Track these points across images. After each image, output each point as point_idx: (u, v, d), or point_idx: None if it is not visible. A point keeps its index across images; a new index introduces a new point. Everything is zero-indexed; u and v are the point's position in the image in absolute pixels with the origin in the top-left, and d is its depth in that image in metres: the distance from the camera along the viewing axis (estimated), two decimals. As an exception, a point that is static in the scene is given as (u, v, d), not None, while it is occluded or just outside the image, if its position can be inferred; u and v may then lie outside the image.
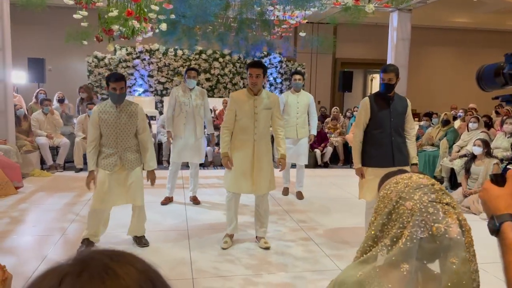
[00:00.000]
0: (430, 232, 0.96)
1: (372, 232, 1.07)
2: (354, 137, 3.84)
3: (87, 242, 3.68)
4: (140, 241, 3.88)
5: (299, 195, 5.67)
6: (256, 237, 4.00)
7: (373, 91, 15.51)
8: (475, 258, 0.99)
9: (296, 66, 11.06)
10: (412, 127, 3.85)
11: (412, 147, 3.82)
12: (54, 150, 7.22)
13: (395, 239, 1.00)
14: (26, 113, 7.23)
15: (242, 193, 3.91)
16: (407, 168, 3.71)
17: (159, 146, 7.61)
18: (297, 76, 5.44)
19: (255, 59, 10.52)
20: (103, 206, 3.65)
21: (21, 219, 4.57)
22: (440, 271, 0.97)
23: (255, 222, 4.00)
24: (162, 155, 7.66)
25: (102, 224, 3.74)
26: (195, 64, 10.37)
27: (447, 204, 0.99)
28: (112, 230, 4.05)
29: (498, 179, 0.99)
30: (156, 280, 0.55)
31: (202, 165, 6.39)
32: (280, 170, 4.00)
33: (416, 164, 3.82)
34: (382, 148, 3.69)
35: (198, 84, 10.29)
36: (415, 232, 0.97)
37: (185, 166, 5.59)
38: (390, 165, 3.62)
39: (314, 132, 5.66)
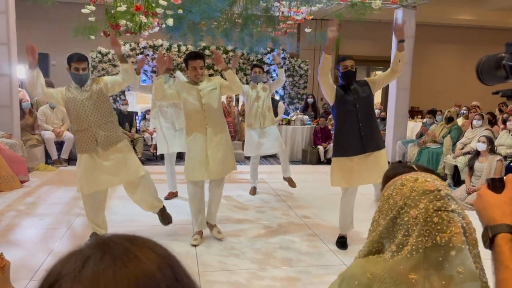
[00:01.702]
0: (434, 242, 0.96)
1: (377, 236, 1.07)
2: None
3: (95, 236, 3.69)
4: (164, 216, 3.81)
5: (290, 182, 5.61)
6: (208, 224, 3.98)
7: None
8: (480, 259, 0.99)
9: (300, 62, 11.05)
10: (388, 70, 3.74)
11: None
12: (60, 144, 7.26)
13: (401, 246, 1.00)
14: (32, 108, 7.25)
15: (199, 179, 3.82)
16: (380, 154, 3.71)
17: None
18: (257, 69, 5.46)
19: (259, 55, 10.52)
20: (92, 189, 3.52)
21: (27, 213, 4.61)
22: (447, 280, 0.96)
23: (207, 209, 3.99)
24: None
25: (101, 214, 3.67)
26: (199, 60, 10.36)
27: (452, 211, 0.98)
28: (118, 224, 4.08)
29: (496, 184, 0.91)
30: (174, 265, 0.56)
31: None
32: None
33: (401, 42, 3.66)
34: (351, 138, 3.67)
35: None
36: (420, 242, 0.97)
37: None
38: (360, 152, 3.67)
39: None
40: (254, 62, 10.65)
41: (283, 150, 5.56)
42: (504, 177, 0.92)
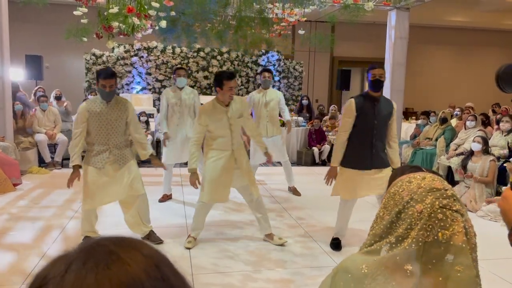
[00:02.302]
0: (435, 237, 0.98)
1: (380, 229, 1.08)
2: (338, 138, 3.75)
3: (84, 239, 3.70)
4: (152, 238, 3.82)
5: (295, 191, 5.69)
6: (266, 235, 3.95)
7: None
8: (477, 263, 1.01)
9: (294, 64, 11.08)
10: (395, 134, 3.79)
11: (396, 154, 3.77)
12: (53, 147, 7.22)
13: (400, 238, 1.01)
14: (24, 111, 7.19)
15: (222, 202, 3.85)
16: (386, 170, 3.67)
17: (157, 144, 7.65)
18: (267, 74, 5.38)
19: (254, 57, 10.53)
20: (95, 205, 3.63)
21: (20, 216, 4.57)
22: (445, 278, 0.98)
23: (258, 221, 3.94)
24: (160, 153, 7.69)
25: (95, 217, 3.75)
26: (193, 61, 10.36)
27: (456, 211, 1.00)
28: (111, 226, 4.06)
29: None
30: (162, 266, 0.55)
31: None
32: (269, 163, 3.89)
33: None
34: (361, 151, 3.64)
35: (196, 82, 10.37)
36: (422, 236, 0.98)
37: (184, 164, 5.59)
38: (368, 168, 3.64)
39: (289, 118, 5.72)
40: (249, 64, 10.67)
41: (286, 161, 5.59)
42: None
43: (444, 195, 1.01)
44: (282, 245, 3.87)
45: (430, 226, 0.98)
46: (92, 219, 3.71)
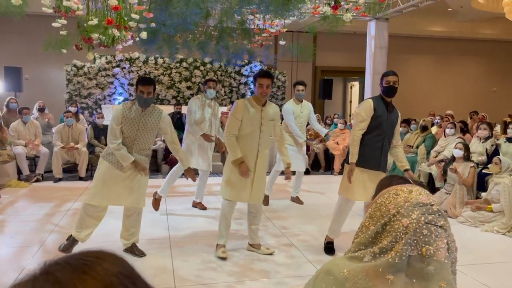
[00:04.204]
0: (419, 252, 1.00)
1: (364, 238, 1.10)
2: (354, 136, 3.78)
3: (72, 239, 3.67)
4: (134, 250, 3.80)
5: (298, 200, 5.82)
6: (252, 245, 3.96)
7: (353, 99, 15.55)
8: (455, 277, 1.04)
9: (277, 74, 11.15)
10: (399, 138, 3.94)
11: (403, 155, 3.89)
12: (32, 160, 7.09)
13: (384, 250, 1.03)
14: (1, 123, 7.05)
15: (240, 201, 3.85)
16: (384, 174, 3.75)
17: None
18: (300, 87, 5.55)
19: (236, 67, 10.57)
20: (98, 202, 3.58)
21: (-2, 231, 4.47)
22: None
23: (250, 231, 3.97)
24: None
25: (93, 224, 3.67)
26: (176, 72, 10.35)
27: (440, 227, 1.02)
28: (96, 238, 3.99)
29: None
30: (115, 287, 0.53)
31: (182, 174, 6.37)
32: (287, 179, 3.98)
33: (408, 170, 3.81)
34: (372, 151, 3.71)
35: (179, 92, 10.35)
36: (406, 250, 1.00)
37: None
38: (376, 168, 3.71)
39: (325, 131, 6.06)
40: (232, 74, 10.69)
41: (301, 171, 5.77)
42: None
43: (430, 211, 1.03)
44: (271, 254, 3.88)
45: (415, 241, 1.00)
46: (90, 218, 3.61)
